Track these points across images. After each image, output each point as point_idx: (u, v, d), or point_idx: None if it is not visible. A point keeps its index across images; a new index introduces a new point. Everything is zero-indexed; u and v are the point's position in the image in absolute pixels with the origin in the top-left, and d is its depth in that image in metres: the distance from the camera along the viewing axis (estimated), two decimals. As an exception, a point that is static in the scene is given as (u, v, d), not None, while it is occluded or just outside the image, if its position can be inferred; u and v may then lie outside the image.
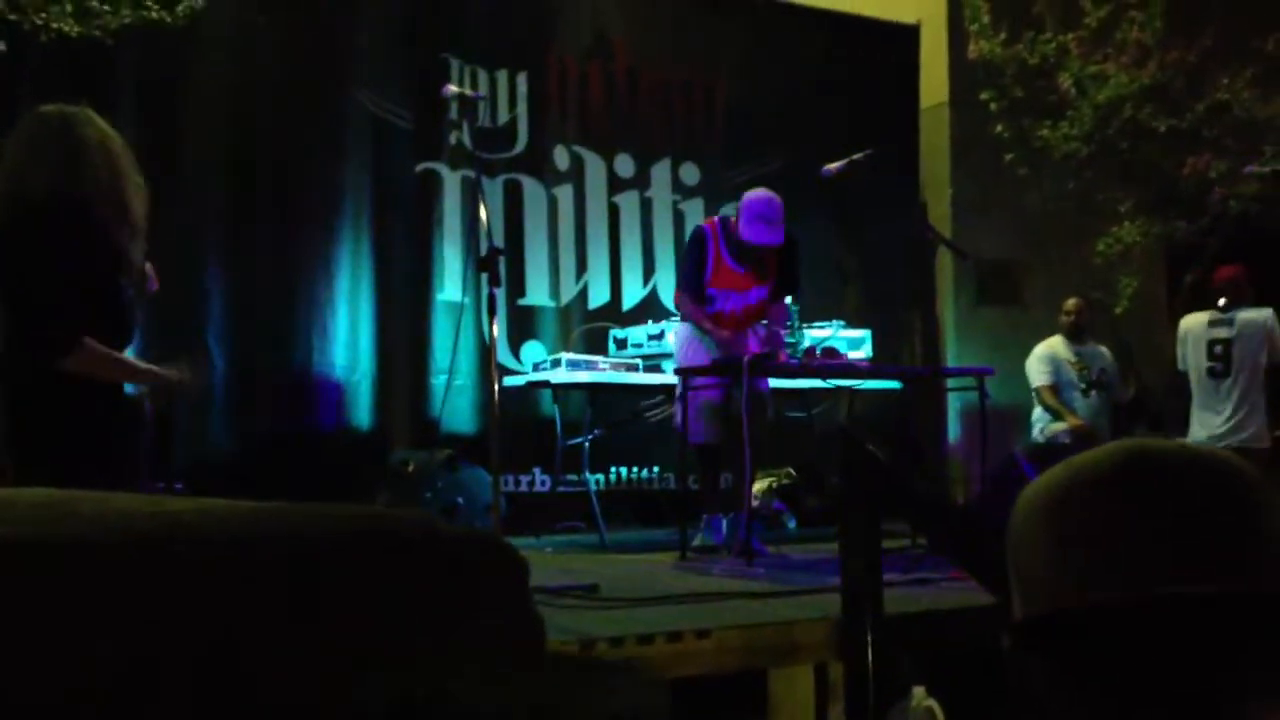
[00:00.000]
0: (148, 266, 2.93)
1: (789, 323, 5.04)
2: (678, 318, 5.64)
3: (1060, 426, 6.64)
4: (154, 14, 5.07)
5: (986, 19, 7.52)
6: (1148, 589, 0.77)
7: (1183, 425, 6.42)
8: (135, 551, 1.12)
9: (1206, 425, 6.28)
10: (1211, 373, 6.31)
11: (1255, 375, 6.24)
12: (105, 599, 1.06)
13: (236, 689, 1.08)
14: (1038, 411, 6.86)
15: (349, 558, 1.14)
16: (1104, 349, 7.02)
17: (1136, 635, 0.78)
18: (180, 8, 5.16)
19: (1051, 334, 6.94)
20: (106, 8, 4.98)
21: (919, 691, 2.73)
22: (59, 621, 1.02)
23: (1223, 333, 6.30)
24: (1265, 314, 6.25)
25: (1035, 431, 6.84)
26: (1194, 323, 6.46)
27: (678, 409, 5.08)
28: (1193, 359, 6.41)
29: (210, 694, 1.06)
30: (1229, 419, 6.22)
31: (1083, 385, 6.73)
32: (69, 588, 1.04)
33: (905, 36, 8.19)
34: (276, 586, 1.11)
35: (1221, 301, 6.33)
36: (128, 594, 1.08)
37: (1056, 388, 6.76)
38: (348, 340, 6.31)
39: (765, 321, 5.15)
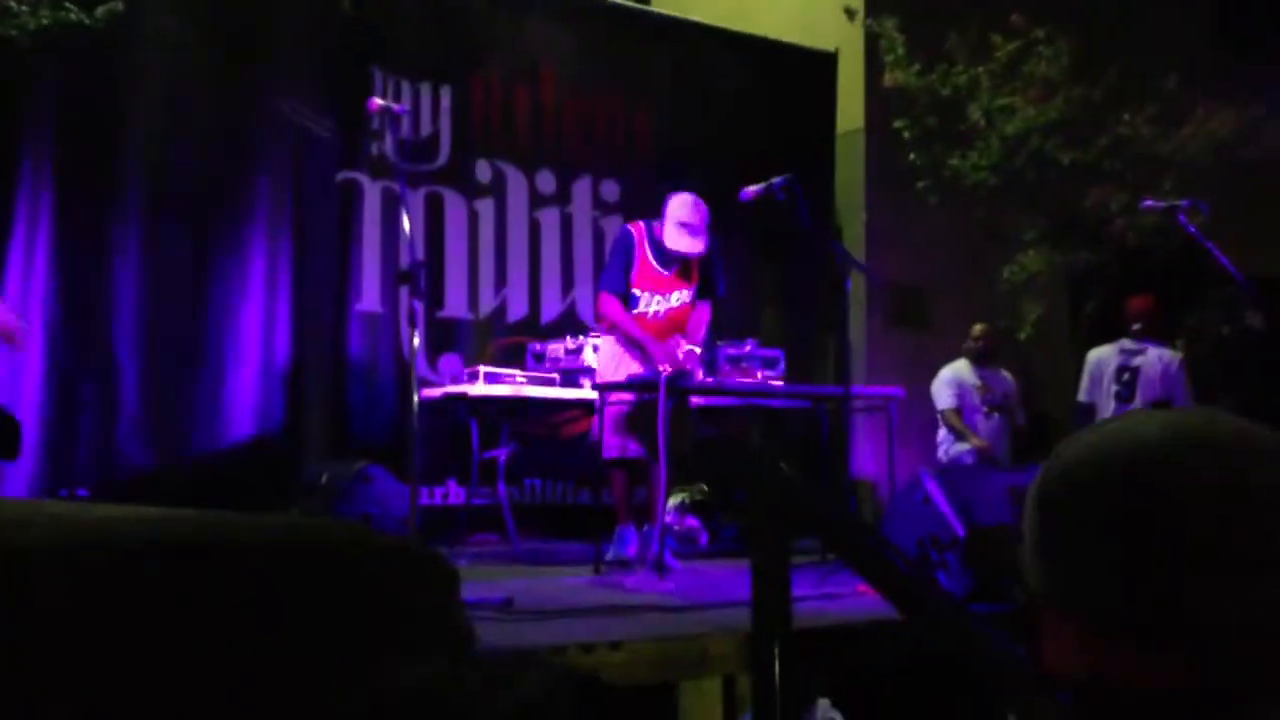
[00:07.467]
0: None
1: (705, 342, 5.14)
2: (596, 333, 5.69)
3: (963, 447, 6.83)
4: (73, 16, 5.00)
5: (902, 50, 7.70)
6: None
7: None
8: (69, 556, 1.14)
9: None
10: (1119, 397, 6.48)
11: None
12: (35, 605, 1.08)
13: (169, 695, 1.10)
14: (942, 433, 7.05)
15: (283, 566, 1.18)
16: (1006, 374, 7.24)
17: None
18: (100, 10, 5.10)
19: (959, 358, 7.14)
20: (25, 8, 4.90)
21: (824, 703, 2.81)
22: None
23: (1133, 361, 6.47)
24: (1173, 359, 6.44)
25: (940, 452, 7.03)
26: (1104, 352, 6.62)
27: (595, 422, 5.13)
28: (1105, 385, 6.54)
29: (143, 700, 1.09)
30: None
31: (985, 408, 6.94)
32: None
33: (824, 64, 8.37)
34: (212, 594, 1.14)
35: (1136, 327, 6.50)
36: (59, 599, 1.10)
37: (960, 410, 6.96)
38: (262, 348, 6.24)
39: (685, 339, 5.23)
